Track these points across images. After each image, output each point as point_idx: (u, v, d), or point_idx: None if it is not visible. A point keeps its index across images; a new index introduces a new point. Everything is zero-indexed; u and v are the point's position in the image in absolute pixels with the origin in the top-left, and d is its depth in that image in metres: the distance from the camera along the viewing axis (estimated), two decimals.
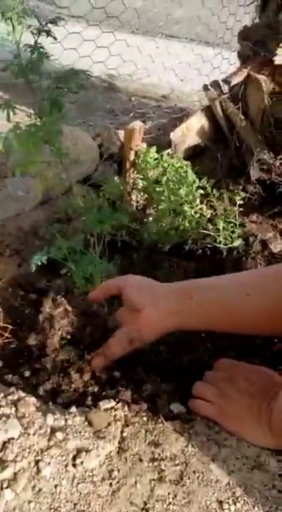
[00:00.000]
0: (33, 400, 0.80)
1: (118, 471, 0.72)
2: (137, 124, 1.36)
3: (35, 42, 0.81)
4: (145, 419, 0.80)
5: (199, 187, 1.28)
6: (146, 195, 1.38)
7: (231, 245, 1.24)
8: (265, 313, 0.83)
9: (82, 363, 0.93)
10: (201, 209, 1.30)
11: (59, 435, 0.74)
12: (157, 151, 1.37)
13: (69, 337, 1.00)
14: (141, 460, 0.74)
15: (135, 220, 1.32)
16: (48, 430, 0.75)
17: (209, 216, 1.31)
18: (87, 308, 1.07)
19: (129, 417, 0.80)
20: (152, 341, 0.92)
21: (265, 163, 1.47)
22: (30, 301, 1.13)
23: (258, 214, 1.42)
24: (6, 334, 1.03)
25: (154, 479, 0.71)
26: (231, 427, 0.80)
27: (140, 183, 1.38)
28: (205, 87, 1.58)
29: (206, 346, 1.02)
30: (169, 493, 0.70)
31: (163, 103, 2.30)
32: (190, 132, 1.60)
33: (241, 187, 1.45)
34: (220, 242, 1.24)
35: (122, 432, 0.78)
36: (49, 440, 0.74)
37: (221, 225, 1.25)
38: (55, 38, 0.82)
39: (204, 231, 1.27)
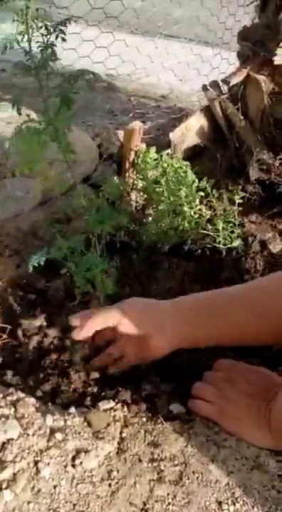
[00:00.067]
0: (32, 400, 0.80)
1: (117, 471, 0.72)
2: (137, 125, 1.36)
3: (47, 41, 0.82)
4: (144, 419, 0.81)
5: (198, 187, 1.28)
6: (145, 196, 1.38)
7: (230, 245, 1.24)
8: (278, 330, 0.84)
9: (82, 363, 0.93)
10: (200, 209, 1.30)
11: (58, 436, 0.75)
12: (157, 152, 1.36)
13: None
14: (140, 460, 0.74)
15: (134, 221, 1.32)
16: (47, 431, 0.75)
17: (208, 216, 1.31)
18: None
19: (128, 418, 0.80)
20: None
21: (265, 164, 1.47)
22: (29, 302, 1.13)
23: (257, 214, 1.42)
24: (5, 335, 1.03)
25: (153, 480, 0.71)
26: (230, 428, 0.80)
27: (139, 184, 1.38)
28: (204, 87, 1.58)
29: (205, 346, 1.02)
30: (168, 494, 0.70)
31: (162, 103, 2.30)
32: (189, 132, 1.60)
33: (240, 187, 1.45)
34: (219, 242, 1.24)
35: (121, 432, 0.78)
36: (48, 441, 0.74)
37: (220, 225, 1.25)
38: (64, 40, 0.83)
39: (203, 231, 1.27)
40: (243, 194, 1.39)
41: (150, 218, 1.34)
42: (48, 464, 0.71)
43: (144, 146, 1.38)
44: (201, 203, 1.31)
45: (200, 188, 1.29)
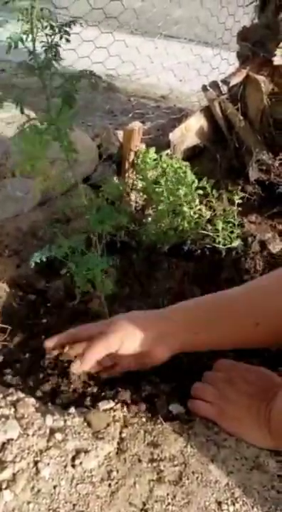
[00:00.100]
0: (32, 400, 0.80)
1: (117, 471, 0.72)
2: (136, 125, 1.36)
3: (51, 41, 0.82)
4: (144, 419, 0.81)
5: (198, 187, 1.28)
6: (145, 196, 1.39)
7: (230, 246, 1.24)
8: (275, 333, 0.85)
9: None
10: (200, 209, 1.30)
11: (58, 436, 0.75)
12: (156, 152, 1.37)
13: None
14: (140, 461, 0.74)
15: (134, 221, 1.32)
16: (47, 431, 0.75)
17: (208, 216, 1.31)
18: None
19: (128, 418, 0.80)
20: None
21: (264, 164, 1.48)
22: (29, 302, 1.13)
23: (257, 214, 1.42)
24: (5, 335, 1.03)
25: (153, 480, 0.71)
26: (230, 428, 0.80)
27: (139, 184, 1.38)
28: (204, 88, 1.58)
29: None
30: (168, 494, 0.70)
31: (162, 103, 2.30)
32: (189, 133, 1.60)
33: (240, 187, 1.45)
34: (219, 243, 1.24)
35: (121, 432, 0.78)
36: (48, 441, 0.74)
37: (220, 225, 1.25)
38: (68, 41, 0.83)
39: (202, 231, 1.27)
40: (243, 194, 1.39)
41: (150, 218, 1.34)
42: (48, 464, 0.71)
43: (143, 146, 1.38)
44: (200, 203, 1.31)
45: (200, 188, 1.29)
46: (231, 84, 1.55)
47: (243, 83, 1.54)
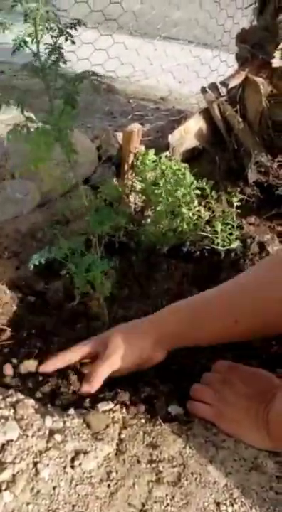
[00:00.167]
0: (31, 402, 0.81)
1: (116, 472, 0.72)
2: (136, 127, 1.37)
3: (55, 43, 0.83)
4: (143, 421, 0.81)
5: (196, 189, 1.29)
6: (144, 198, 1.39)
7: (228, 247, 1.24)
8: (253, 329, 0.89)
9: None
10: (198, 211, 1.31)
11: (57, 437, 0.75)
12: (155, 154, 1.37)
13: None
14: (139, 462, 0.74)
15: (133, 222, 1.32)
16: (47, 432, 0.76)
17: (206, 218, 1.32)
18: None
19: (127, 419, 0.81)
20: None
21: (263, 166, 1.48)
22: (29, 304, 1.14)
23: (255, 216, 1.43)
24: (4, 337, 1.03)
25: (152, 481, 0.72)
26: (228, 429, 0.81)
27: (138, 186, 1.39)
28: (203, 90, 1.59)
29: (204, 348, 1.03)
30: (166, 495, 0.70)
31: (161, 105, 2.31)
32: (188, 135, 1.61)
33: (238, 189, 1.46)
34: (218, 244, 1.25)
35: (120, 433, 0.78)
36: (47, 442, 0.74)
37: (218, 227, 1.25)
38: (73, 42, 0.84)
39: (201, 233, 1.28)
40: (242, 196, 1.39)
41: (149, 220, 1.35)
42: (48, 465, 0.71)
43: (143, 148, 1.39)
44: (199, 204, 1.32)
45: (199, 190, 1.29)
46: (230, 86, 1.55)
47: (242, 85, 1.54)
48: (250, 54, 1.54)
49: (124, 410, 0.82)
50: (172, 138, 1.56)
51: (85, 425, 0.78)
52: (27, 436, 0.74)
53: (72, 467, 0.72)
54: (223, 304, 0.90)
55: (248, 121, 1.56)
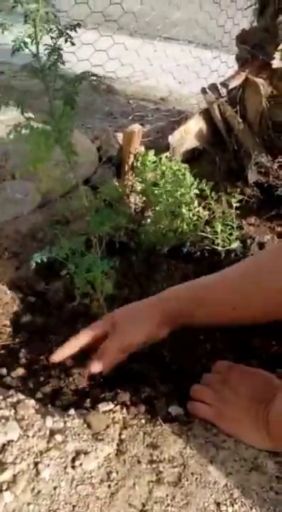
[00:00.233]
0: (32, 402, 0.81)
1: (117, 472, 0.72)
2: (136, 127, 1.37)
3: (54, 44, 0.83)
4: (143, 421, 0.81)
5: (197, 189, 1.29)
6: (144, 198, 1.39)
7: (228, 248, 1.25)
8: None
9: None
10: (199, 211, 1.31)
11: (58, 437, 0.75)
12: (156, 154, 1.37)
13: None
14: (139, 462, 0.74)
15: (133, 222, 1.33)
16: (47, 432, 0.76)
17: (206, 218, 1.32)
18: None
19: (127, 420, 0.81)
20: None
21: (263, 166, 1.48)
22: (29, 304, 1.14)
23: (255, 217, 1.43)
24: (5, 337, 1.03)
25: (152, 481, 0.72)
26: (228, 430, 0.81)
27: (138, 186, 1.39)
28: (203, 90, 1.59)
29: (204, 348, 1.03)
30: (167, 495, 0.70)
31: (161, 106, 2.31)
32: (188, 135, 1.61)
33: (238, 190, 1.46)
34: (218, 245, 1.25)
35: (120, 434, 0.78)
36: (48, 442, 0.74)
37: (219, 227, 1.26)
38: (73, 44, 0.84)
39: (201, 233, 1.28)
40: (242, 197, 1.40)
41: (149, 220, 1.35)
42: (48, 465, 0.71)
43: (143, 148, 1.39)
44: (199, 205, 1.32)
45: (199, 190, 1.29)
46: (230, 87, 1.56)
47: (242, 86, 1.54)
48: (250, 55, 1.54)
49: (124, 411, 0.82)
50: (172, 138, 1.56)
51: (85, 425, 0.78)
52: (28, 436, 0.75)
53: (73, 467, 0.72)
54: (223, 290, 0.93)
55: (248, 121, 1.56)
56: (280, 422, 0.76)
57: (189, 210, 1.28)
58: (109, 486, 0.70)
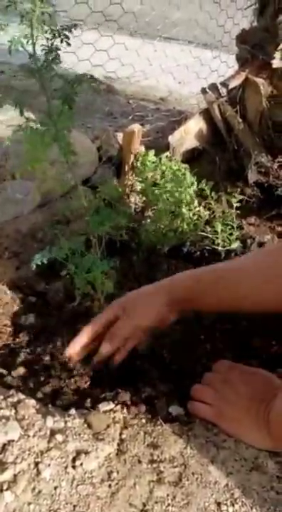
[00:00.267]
0: (32, 402, 0.81)
1: (117, 472, 0.72)
2: (136, 127, 1.37)
3: (51, 44, 0.83)
4: (144, 421, 0.81)
5: (197, 189, 1.29)
6: (144, 198, 1.39)
7: (229, 247, 1.25)
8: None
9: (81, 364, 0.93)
10: (199, 211, 1.31)
11: (59, 437, 0.75)
12: (156, 154, 1.37)
13: None
14: (140, 462, 0.74)
15: (134, 222, 1.33)
16: (48, 432, 0.76)
17: (207, 218, 1.32)
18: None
19: (128, 419, 0.81)
20: None
21: (263, 166, 1.48)
22: (30, 304, 1.14)
23: (256, 216, 1.43)
24: (5, 337, 1.03)
25: (153, 481, 0.72)
26: (229, 429, 0.81)
27: (138, 186, 1.39)
28: (203, 90, 1.59)
29: (204, 348, 1.03)
30: (167, 495, 0.70)
31: (161, 106, 2.31)
32: (188, 135, 1.61)
33: (239, 190, 1.46)
34: (218, 245, 1.25)
35: (121, 434, 0.78)
36: (49, 442, 0.74)
37: (219, 227, 1.26)
38: (68, 44, 0.84)
39: (202, 233, 1.28)
40: (242, 196, 1.40)
41: (149, 220, 1.35)
42: (49, 465, 0.71)
43: (143, 148, 1.39)
44: (199, 205, 1.32)
45: (199, 190, 1.29)
46: (230, 87, 1.56)
47: (243, 86, 1.55)
48: (250, 55, 1.55)
49: (125, 410, 0.82)
50: (172, 138, 1.56)
51: (86, 425, 0.78)
52: (28, 436, 0.75)
53: (74, 467, 0.72)
54: (235, 277, 0.93)
55: (249, 121, 1.56)
56: (281, 422, 0.76)
57: (189, 209, 1.28)
58: (109, 486, 0.70)
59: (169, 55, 2.10)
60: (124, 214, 1.27)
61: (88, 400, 0.85)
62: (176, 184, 1.28)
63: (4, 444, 0.73)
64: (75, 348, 0.91)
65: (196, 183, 1.30)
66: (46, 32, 0.81)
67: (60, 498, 0.68)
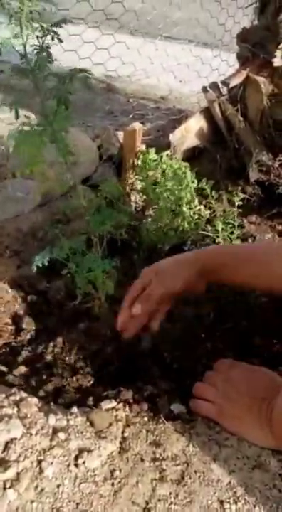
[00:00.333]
0: (35, 400, 0.81)
1: (120, 470, 0.72)
2: (137, 126, 1.37)
3: (42, 43, 0.83)
4: (146, 419, 0.81)
5: (198, 187, 1.29)
6: (145, 197, 1.39)
7: None
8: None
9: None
10: (199, 210, 1.31)
11: (61, 435, 0.75)
12: (156, 153, 1.37)
13: None
14: (142, 460, 0.74)
15: (135, 221, 1.33)
16: (50, 430, 0.76)
17: (207, 217, 1.32)
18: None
19: (130, 417, 0.81)
20: None
21: (264, 165, 1.48)
22: (31, 303, 1.14)
23: (256, 215, 1.43)
24: (7, 335, 1.03)
25: (155, 479, 0.72)
26: (231, 427, 0.81)
27: (139, 185, 1.39)
28: (204, 89, 1.59)
29: (206, 347, 1.03)
30: (170, 493, 0.70)
31: (162, 104, 2.31)
32: (189, 134, 1.61)
33: (239, 188, 1.46)
34: (219, 243, 1.25)
35: (123, 432, 0.78)
36: (51, 440, 0.74)
37: (219, 226, 1.26)
38: (60, 41, 0.83)
39: (203, 232, 1.28)
40: (243, 195, 1.40)
41: (150, 219, 1.35)
42: (51, 463, 0.71)
43: (143, 147, 1.39)
44: (200, 203, 1.32)
45: (199, 189, 1.29)
46: (230, 86, 1.56)
47: (243, 84, 1.55)
48: (251, 53, 1.55)
49: (127, 408, 0.82)
50: (173, 137, 1.56)
51: (88, 423, 0.78)
52: (31, 434, 0.74)
53: (76, 465, 0.72)
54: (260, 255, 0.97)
55: (249, 120, 1.56)
56: None
57: (190, 208, 1.28)
58: (112, 484, 0.71)
59: (169, 54, 2.10)
60: (125, 213, 1.27)
61: (90, 398, 0.85)
62: (176, 183, 1.28)
63: (7, 442, 0.73)
64: (124, 316, 0.94)
65: (196, 181, 1.30)
66: (36, 29, 0.81)
67: (63, 496, 0.68)
